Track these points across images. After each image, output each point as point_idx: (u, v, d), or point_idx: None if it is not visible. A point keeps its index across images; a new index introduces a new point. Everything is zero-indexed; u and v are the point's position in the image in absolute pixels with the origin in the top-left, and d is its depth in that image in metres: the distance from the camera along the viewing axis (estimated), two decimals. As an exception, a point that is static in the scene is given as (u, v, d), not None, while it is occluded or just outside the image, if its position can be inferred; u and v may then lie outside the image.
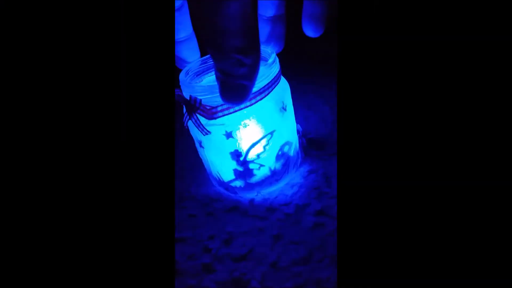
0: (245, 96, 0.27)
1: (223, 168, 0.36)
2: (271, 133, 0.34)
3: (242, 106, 0.31)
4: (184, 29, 0.32)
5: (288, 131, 0.36)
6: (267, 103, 0.33)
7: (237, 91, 0.27)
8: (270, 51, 0.33)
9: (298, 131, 0.39)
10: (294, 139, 0.37)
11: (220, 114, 0.31)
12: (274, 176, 0.36)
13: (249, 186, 0.37)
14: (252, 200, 0.37)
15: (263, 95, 0.31)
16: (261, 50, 0.34)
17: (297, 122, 0.40)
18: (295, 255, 0.31)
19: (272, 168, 0.35)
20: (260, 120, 0.33)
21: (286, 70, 0.37)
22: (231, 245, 0.33)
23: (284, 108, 0.34)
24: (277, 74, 0.33)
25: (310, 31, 0.32)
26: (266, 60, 0.33)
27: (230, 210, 0.37)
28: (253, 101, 0.31)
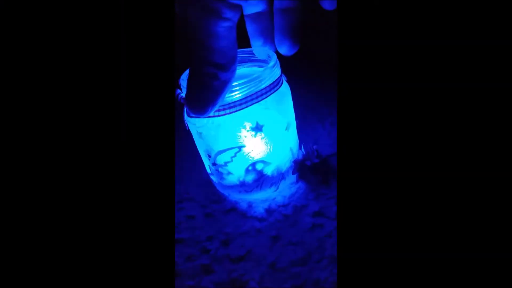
0: (207, 109, 0.28)
1: (204, 161, 0.38)
2: (240, 147, 0.34)
3: (211, 114, 0.31)
4: None
5: (267, 151, 0.35)
6: (237, 119, 0.33)
7: (202, 102, 0.28)
8: (270, 54, 0.33)
9: (298, 157, 0.38)
10: (277, 161, 0.36)
11: (193, 115, 0.32)
12: (242, 186, 0.37)
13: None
14: (250, 202, 0.37)
15: (237, 108, 0.31)
16: (262, 53, 0.34)
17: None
18: (293, 256, 0.31)
19: (241, 179, 0.36)
20: (227, 132, 0.33)
21: (287, 75, 0.36)
22: (229, 246, 0.33)
23: (258, 128, 0.34)
24: (260, 89, 0.32)
25: (283, 48, 0.29)
26: (267, 63, 0.33)
27: (228, 211, 0.37)
28: (227, 111, 0.31)
